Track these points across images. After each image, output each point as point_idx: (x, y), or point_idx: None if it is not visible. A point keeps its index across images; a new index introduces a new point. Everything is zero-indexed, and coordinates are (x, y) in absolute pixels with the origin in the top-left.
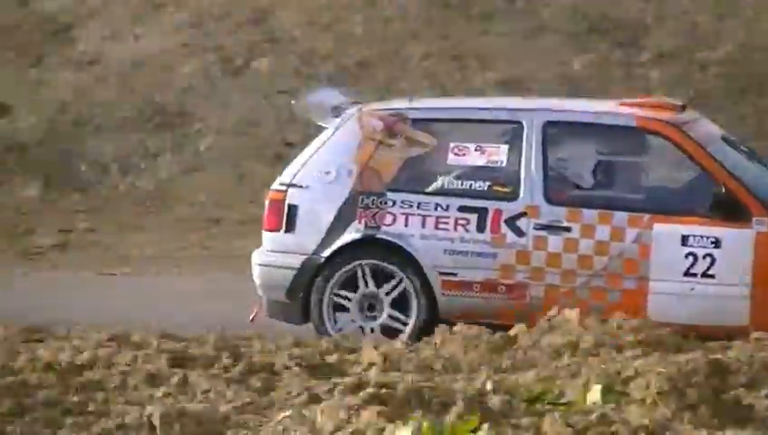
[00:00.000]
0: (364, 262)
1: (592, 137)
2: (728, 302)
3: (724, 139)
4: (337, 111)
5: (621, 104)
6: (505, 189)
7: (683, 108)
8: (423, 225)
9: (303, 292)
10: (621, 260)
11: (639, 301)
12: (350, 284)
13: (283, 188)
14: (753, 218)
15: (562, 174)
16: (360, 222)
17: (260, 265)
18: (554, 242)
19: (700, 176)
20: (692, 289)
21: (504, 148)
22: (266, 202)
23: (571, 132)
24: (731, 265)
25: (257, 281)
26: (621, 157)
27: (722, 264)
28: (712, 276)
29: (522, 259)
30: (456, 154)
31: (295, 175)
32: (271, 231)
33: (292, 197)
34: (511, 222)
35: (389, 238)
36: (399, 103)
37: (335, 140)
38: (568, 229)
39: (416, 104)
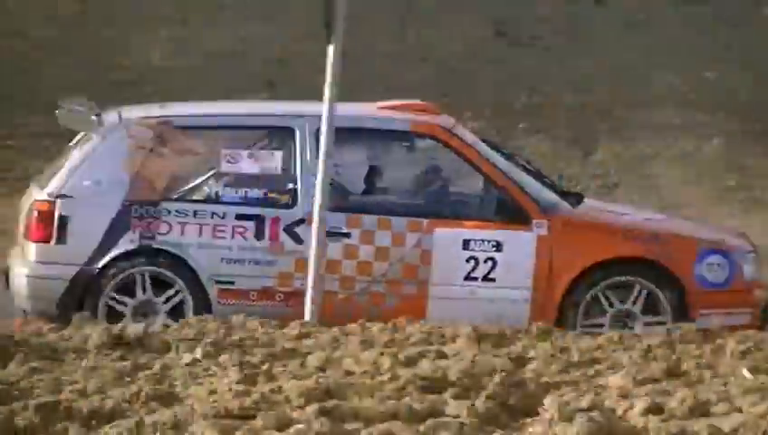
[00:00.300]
0: (140, 270)
1: (367, 142)
2: (509, 305)
3: (485, 142)
4: (99, 118)
5: (379, 107)
6: (282, 197)
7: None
8: (200, 233)
9: (76, 303)
10: (402, 265)
11: (419, 306)
12: (126, 292)
13: (51, 198)
14: (533, 222)
15: (339, 180)
16: (134, 232)
17: (28, 276)
18: (334, 249)
19: (478, 180)
20: (472, 293)
21: (278, 154)
22: (32, 213)
23: (345, 138)
24: (512, 268)
25: (23, 292)
26: (398, 162)
27: (503, 267)
28: (493, 280)
29: (301, 266)
30: (228, 162)
31: (63, 185)
32: (39, 242)
33: (63, 207)
34: (289, 229)
35: (165, 248)
36: (165, 110)
37: (103, 149)
38: (347, 235)
39: (184, 111)
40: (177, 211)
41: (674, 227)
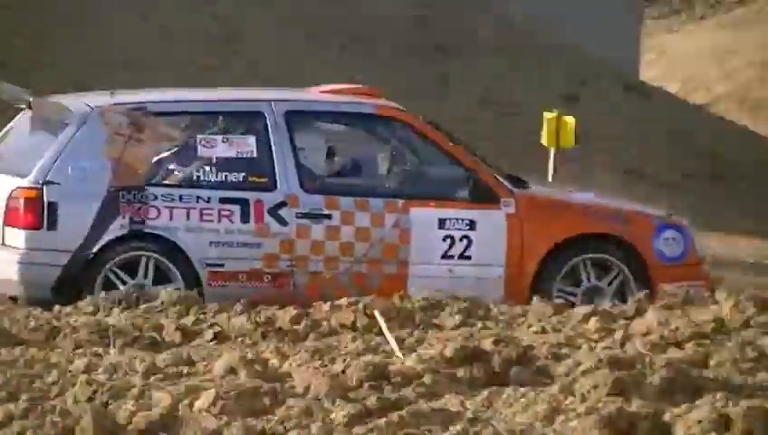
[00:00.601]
0: (134, 255)
1: (335, 125)
2: (484, 283)
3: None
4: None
5: (321, 91)
6: (262, 180)
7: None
8: (188, 217)
9: (71, 288)
10: (382, 245)
11: (399, 285)
12: (126, 271)
13: (38, 185)
14: (501, 200)
15: (313, 162)
16: (124, 217)
17: (20, 262)
18: (317, 230)
19: (443, 160)
20: (450, 271)
21: (252, 139)
22: (15, 200)
23: (313, 121)
24: (486, 246)
25: (14, 278)
26: (368, 144)
27: (478, 245)
28: (469, 258)
29: (285, 248)
30: (205, 146)
31: (48, 172)
32: (29, 229)
33: (51, 194)
34: (273, 212)
35: (158, 232)
36: (138, 97)
37: (81, 137)
38: (329, 217)
39: (156, 97)
40: (162, 196)
41: (625, 204)
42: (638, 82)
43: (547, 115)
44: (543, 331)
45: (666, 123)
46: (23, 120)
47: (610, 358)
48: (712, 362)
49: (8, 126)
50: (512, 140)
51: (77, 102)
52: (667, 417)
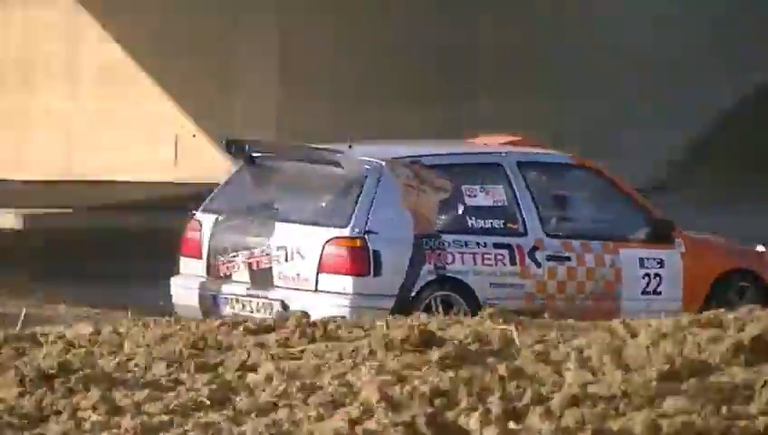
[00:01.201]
0: (438, 295)
1: (547, 174)
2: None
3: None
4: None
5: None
6: (515, 226)
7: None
8: (474, 261)
9: None
10: (604, 283)
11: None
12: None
13: (361, 235)
14: (675, 240)
15: (547, 209)
16: (430, 263)
17: (350, 307)
18: (561, 271)
19: (628, 204)
20: (647, 306)
21: (501, 188)
22: (341, 248)
23: (534, 171)
24: (671, 282)
25: None
26: (574, 191)
27: (666, 282)
28: (659, 293)
29: (540, 288)
30: (469, 196)
31: (366, 222)
32: (357, 275)
33: (374, 243)
34: (531, 255)
35: (458, 277)
36: (410, 150)
37: (382, 189)
38: (569, 259)
39: (425, 150)
40: (453, 242)
41: (740, 244)
42: None
43: None
44: None
45: None
46: (252, 170)
47: None
48: None
49: (232, 176)
50: None
51: (367, 157)
52: None
